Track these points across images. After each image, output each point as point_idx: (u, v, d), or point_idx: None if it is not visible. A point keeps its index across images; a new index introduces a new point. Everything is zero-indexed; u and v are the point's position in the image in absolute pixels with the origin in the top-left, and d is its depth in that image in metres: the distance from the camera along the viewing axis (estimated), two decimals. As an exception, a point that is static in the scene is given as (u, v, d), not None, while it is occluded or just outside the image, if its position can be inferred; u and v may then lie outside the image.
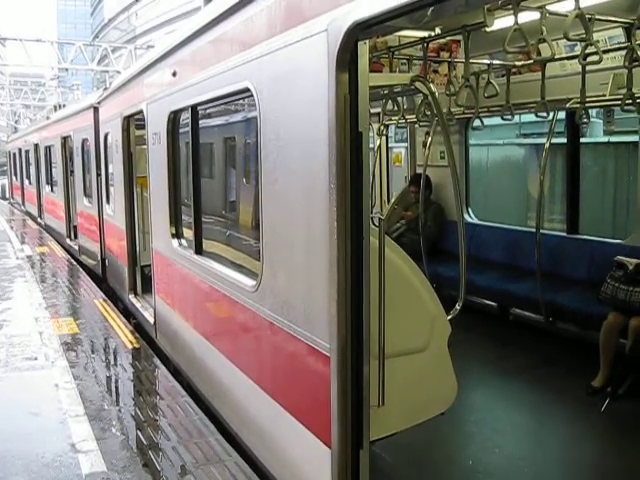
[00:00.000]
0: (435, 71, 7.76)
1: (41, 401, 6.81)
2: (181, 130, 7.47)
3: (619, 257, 6.63)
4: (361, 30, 3.54)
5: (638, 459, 5.34)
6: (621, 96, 6.45)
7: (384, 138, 10.77)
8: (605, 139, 13.72)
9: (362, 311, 3.82)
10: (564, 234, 8.67)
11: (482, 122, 8.27)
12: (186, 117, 7.07)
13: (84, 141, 14.64)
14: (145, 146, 8.73)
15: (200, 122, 6.90)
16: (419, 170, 10.35)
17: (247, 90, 5.02)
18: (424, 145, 10.08)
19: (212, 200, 7.27)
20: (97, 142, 13.15)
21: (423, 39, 6.68)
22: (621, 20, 6.11)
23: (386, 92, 7.71)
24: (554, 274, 8.03)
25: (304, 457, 4.48)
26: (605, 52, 6.17)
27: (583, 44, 5.57)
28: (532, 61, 7.12)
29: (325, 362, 3.99)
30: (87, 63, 32.45)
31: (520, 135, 18.08)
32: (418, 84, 5.76)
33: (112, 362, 8.28)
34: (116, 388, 7.36)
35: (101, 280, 13.62)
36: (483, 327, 8.26)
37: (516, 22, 4.99)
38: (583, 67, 6.43)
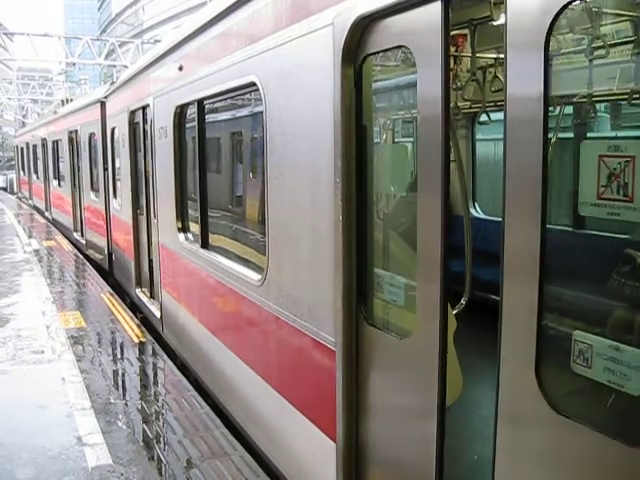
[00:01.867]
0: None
1: (48, 394, 6.85)
2: (187, 125, 7.48)
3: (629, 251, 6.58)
4: (366, 24, 3.53)
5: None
6: (628, 90, 6.41)
7: (390, 132, 10.75)
8: (613, 134, 13.62)
9: (367, 305, 3.82)
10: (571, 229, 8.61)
11: (489, 117, 8.23)
12: (192, 111, 7.07)
13: (91, 135, 14.67)
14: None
15: (206, 116, 6.91)
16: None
17: (253, 84, 5.02)
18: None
19: (218, 194, 7.28)
20: (104, 136, 13.18)
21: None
22: (629, 14, 6.06)
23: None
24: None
25: (309, 451, 4.49)
26: (612, 46, 6.13)
27: (590, 38, 5.54)
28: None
29: (330, 356, 4.00)
30: (94, 58, 32.45)
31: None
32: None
33: (118, 356, 8.31)
34: (122, 382, 7.39)
35: (108, 274, 13.66)
36: (489, 322, 8.24)
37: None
38: (590, 61, 6.38)
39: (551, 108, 2.99)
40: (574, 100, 3.07)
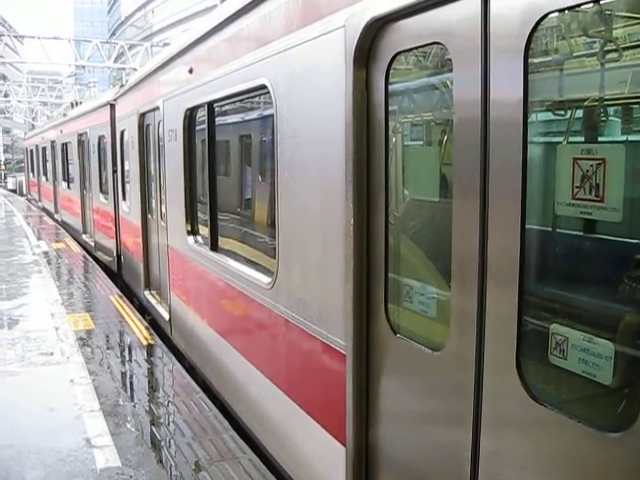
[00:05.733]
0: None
1: (57, 396, 6.86)
2: (197, 127, 7.49)
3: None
4: (379, 27, 3.52)
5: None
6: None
7: (400, 136, 10.72)
8: (623, 138, 13.55)
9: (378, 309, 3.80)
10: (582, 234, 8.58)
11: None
12: (202, 114, 7.08)
13: (100, 138, 14.72)
14: None
15: (216, 119, 6.91)
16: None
17: (264, 87, 5.02)
18: (439, 143, 10.01)
19: (228, 197, 7.29)
20: (113, 139, 13.22)
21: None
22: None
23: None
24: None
25: (318, 455, 4.47)
26: (625, 49, 6.09)
27: (602, 41, 5.51)
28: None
29: (340, 360, 3.98)
30: (104, 61, 32.64)
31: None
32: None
33: (127, 358, 8.31)
34: (131, 384, 7.39)
35: (116, 276, 13.69)
36: None
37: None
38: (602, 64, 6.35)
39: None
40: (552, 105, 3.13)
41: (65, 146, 20.90)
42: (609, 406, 2.69)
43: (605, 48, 3.20)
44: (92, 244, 17.02)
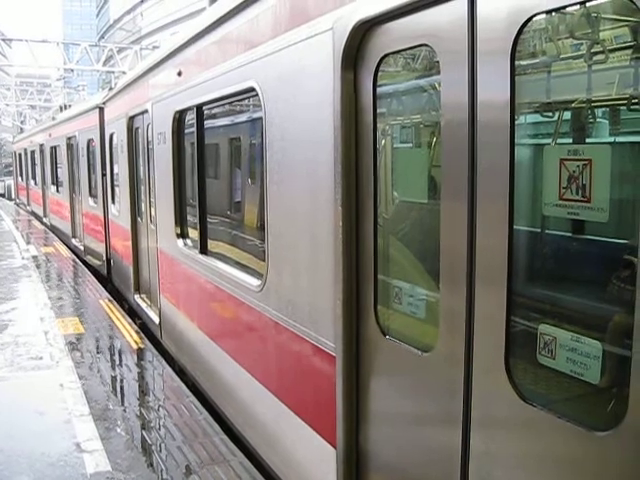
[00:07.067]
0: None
1: (46, 401, 6.82)
2: (186, 130, 7.48)
3: (628, 257, 6.58)
4: (367, 29, 3.53)
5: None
6: (627, 96, 6.41)
7: (389, 138, 10.72)
8: (611, 139, 13.63)
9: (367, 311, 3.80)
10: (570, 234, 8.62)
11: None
12: (191, 117, 7.07)
13: (89, 141, 14.68)
14: None
15: (205, 122, 6.91)
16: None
17: (252, 90, 5.02)
18: (428, 145, 10.03)
19: (217, 200, 7.28)
20: (102, 142, 13.18)
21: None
22: (627, 19, 6.07)
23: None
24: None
25: (309, 457, 4.47)
26: (611, 51, 6.13)
27: (589, 43, 5.54)
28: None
29: (330, 362, 3.98)
30: (93, 64, 32.46)
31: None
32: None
33: (117, 362, 8.28)
34: (121, 388, 7.36)
35: (106, 280, 13.64)
36: None
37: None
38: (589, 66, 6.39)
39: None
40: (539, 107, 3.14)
41: (54, 149, 20.81)
42: (597, 405, 2.71)
43: (592, 50, 3.21)
44: (81, 248, 16.95)
